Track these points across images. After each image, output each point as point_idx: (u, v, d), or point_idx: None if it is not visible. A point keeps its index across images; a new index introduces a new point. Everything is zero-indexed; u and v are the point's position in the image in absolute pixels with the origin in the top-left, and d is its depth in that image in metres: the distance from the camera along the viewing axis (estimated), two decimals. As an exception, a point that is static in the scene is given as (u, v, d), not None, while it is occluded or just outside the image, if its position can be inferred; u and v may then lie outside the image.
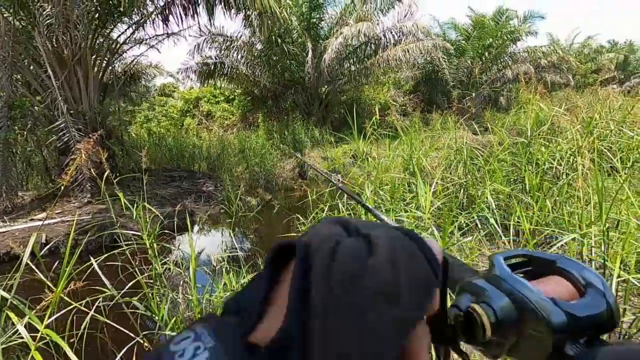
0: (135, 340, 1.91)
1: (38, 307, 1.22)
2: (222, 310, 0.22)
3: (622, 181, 2.17)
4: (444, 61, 13.44)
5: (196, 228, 5.40)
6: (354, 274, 0.20)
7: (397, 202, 2.42)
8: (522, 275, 0.30)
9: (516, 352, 0.28)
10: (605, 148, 2.99)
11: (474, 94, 14.06)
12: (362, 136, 3.00)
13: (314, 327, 0.18)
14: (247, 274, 2.59)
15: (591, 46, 22.83)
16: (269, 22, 9.61)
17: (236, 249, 2.81)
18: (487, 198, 2.44)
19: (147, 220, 2.15)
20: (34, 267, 1.68)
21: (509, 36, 14.29)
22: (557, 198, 2.83)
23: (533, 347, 0.27)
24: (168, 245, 3.08)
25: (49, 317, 1.23)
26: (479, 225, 2.28)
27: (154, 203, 6.41)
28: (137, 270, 2.10)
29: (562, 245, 1.93)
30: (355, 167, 3.90)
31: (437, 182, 2.45)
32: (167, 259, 2.80)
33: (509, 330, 0.27)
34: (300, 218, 3.03)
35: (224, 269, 2.50)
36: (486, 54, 14.65)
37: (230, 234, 2.70)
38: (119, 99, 8.33)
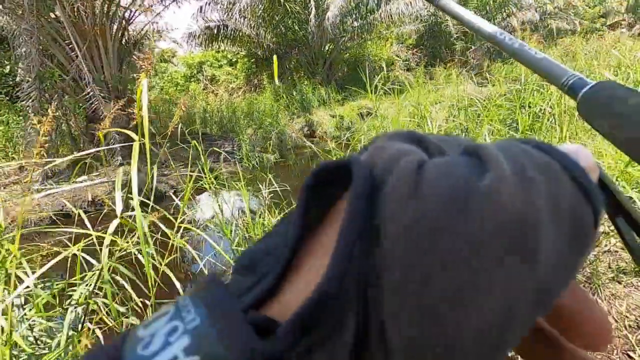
0: (207, 258, 2.48)
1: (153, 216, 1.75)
2: (232, 270, 0.15)
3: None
4: (447, 12, 13.28)
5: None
6: (460, 199, 0.12)
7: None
8: None
9: None
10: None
11: (477, 46, 14.02)
12: (371, 91, 3.40)
13: (388, 286, 0.11)
14: (275, 215, 3.13)
15: (600, -12, 22.02)
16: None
17: (272, 190, 3.32)
18: (484, 134, 2.88)
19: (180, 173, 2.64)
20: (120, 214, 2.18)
21: (513, -18, 13.99)
22: (544, 135, 3.28)
23: None
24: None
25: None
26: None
27: (178, 164, 6.93)
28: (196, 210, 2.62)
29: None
30: (366, 123, 4.32)
31: (440, 125, 2.89)
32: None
33: None
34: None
35: (266, 207, 3.04)
36: (490, 1, 14.39)
37: (268, 182, 3.20)
38: (133, 66, 8.61)
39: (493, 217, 0.11)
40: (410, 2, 11.20)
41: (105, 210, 2.61)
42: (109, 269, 1.46)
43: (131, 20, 7.54)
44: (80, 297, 1.44)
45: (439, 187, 0.12)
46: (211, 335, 0.11)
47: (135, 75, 10.04)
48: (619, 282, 1.97)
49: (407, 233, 0.11)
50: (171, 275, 1.60)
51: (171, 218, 1.79)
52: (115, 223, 1.30)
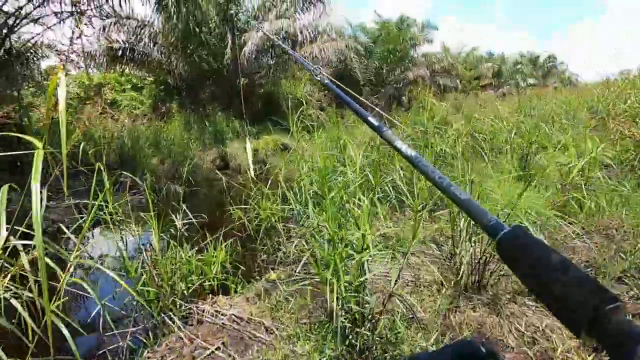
0: (104, 301, 2.11)
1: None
2: None
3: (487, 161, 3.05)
4: (356, 61, 14.59)
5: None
6: None
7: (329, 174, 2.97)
8: None
9: None
10: (478, 134, 3.98)
11: (381, 93, 15.57)
12: (295, 125, 3.47)
13: None
14: (192, 246, 2.87)
15: (474, 55, 26.67)
16: (184, 8, 9.45)
17: (172, 229, 3.05)
18: (397, 169, 3.12)
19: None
20: None
21: (409, 42, 16.08)
22: (445, 173, 3.69)
23: None
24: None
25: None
26: (390, 190, 2.95)
27: (59, 197, 5.98)
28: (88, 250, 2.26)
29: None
30: (288, 156, 4.35)
31: (359, 159, 3.05)
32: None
33: None
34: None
35: (176, 240, 2.76)
36: (391, 56, 16.27)
37: (183, 213, 2.94)
38: (20, 80, 7.45)
39: None
40: (323, 48, 12.03)
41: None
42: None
43: (15, 29, 6.59)
44: None
45: None
46: None
47: (14, 91, 8.67)
48: (515, 303, 2.22)
49: None
50: (60, 325, 1.30)
51: (64, 253, 1.49)
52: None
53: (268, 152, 9.45)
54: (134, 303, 2.32)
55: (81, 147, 3.08)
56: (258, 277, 2.96)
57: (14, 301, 1.46)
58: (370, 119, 0.57)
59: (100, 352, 2.08)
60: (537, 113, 6.55)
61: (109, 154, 9.35)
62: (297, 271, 2.89)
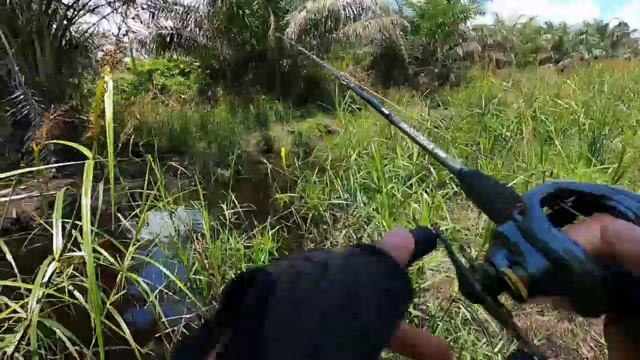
0: (158, 289, 2.17)
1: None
2: None
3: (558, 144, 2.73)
4: (401, 38, 13.93)
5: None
6: (302, 299, 0.18)
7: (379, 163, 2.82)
8: (557, 210, 0.29)
9: (563, 305, 0.26)
10: (543, 117, 3.59)
11: (428, 71, 14.82)
12: (343, 109, 3.33)
13: (269, 338, 0.16)
14: (241, 235, 2.88)
15: (532, 27, 24.53)
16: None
17: (228, 212, 3.07)
18: (454, 156, 2.90)
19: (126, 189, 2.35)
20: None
21: (459, 15, 15.04)
22: (505, 160, 3.40)
23: (580, 303, 0.25)
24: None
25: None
26: (447, 181, 2.75)
27: (123, 177, 6.33)
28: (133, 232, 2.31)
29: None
30: (335, 140, 4.23)
31: (410, 146, 2.86)
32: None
33: (549, 290, 0.25)
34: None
35: (225, 228, 2.78)
36: (439, 31, 15.34)
37: (230, 201, 2.95)
38: (74, 70, 7.89)
39: (322, 306, 0.18)
40: (367, 26, 11.56)
41: (35, 231, 2.21)
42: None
43: (74, 20, 6.92)
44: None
45: (290, 296, 0.19)
46: None
47: (76, 80, 9.23)
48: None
49: (274, 326, 0.18)
50: (119, 319, 1.32)
51: (121, 247, 1.51)
52: (51, 268, 1.02)
53: (312, 135, 9.37)
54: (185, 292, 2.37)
55: (132, 137, 3.11)
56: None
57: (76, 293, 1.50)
58: (404, 125, 0.59)
59: (156, 336, 2.16)
60: (608, 89, 5.87)
61: (160, 139, 9.79)
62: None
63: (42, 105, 5.47)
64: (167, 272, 1.54)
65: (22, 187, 5.46)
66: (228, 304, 0.19)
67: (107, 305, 1.38)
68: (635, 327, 0.23)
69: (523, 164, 2.61)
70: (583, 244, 0.24)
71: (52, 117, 4.76)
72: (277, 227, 3.11)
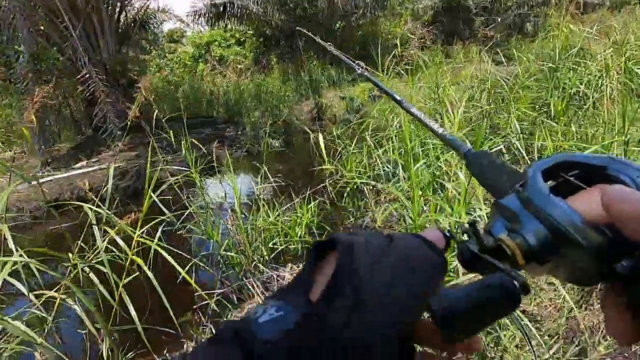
0: (194, 261, 2.21)
1: (122, 221, 1.46)
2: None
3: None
4: (467, -15, 12.47)
5: (224, 170, 5.67)
6: (380, 255, 0.26)
7: (425, 131, 2.53)
8: (562, 182, 0.30)
9: (558, 273, 0.28)
10: (637, 69, 2.93)
11: (498, 20, 13.20)
12: (382, 71, 3.01)
13: (362, 276, 0.24)
14: (280, 207, 2.82)
15: (633, -42, 20.51)
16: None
17: (268, 185, 3.02)
18: (513, 123, 2.50)
19: (190, 156, 2.34)
20: (101, 206, 1.90)
21: (539, -48, 12.96)
22: (582, 122, 2.86)
23: (575, 271, 0.26)
24: (206, 181, 3.33)
25: (140, 228, 1.47)
26: (504, 151, 2.38)
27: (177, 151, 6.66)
28: (187, 202, 2.34)
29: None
30: (376, 107, 3.94)
31: (458, 111, 2.51)
32: (208, 194, 3.06)
33: (545, 258, 0.26)
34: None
35: (260, 201, 2.74)
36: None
37: (263, 171, 2.89)
38: (136, 46, 8.28)
39: (392, 261, 0.26)
40: (427, -24, 10.46)
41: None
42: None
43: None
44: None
45: (374, 251, 0.27)
46: (286, 304, 0.24)
47: (139, 55, 9.73)
48: None
49: (364, 265, 0.26)
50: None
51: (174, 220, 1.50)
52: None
53: (364, 100, 8.97)
54: (220, 266, 2.40)
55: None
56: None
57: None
58: (429, 122, 0.57)
59: (193, 307, 2.22)
60: None
61: (218, 109, 10.09)
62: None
63: (105, 83, 5.81)
64: (172, 261, 1.50)
65: (94, 159, 5.99)
66: (313, 261, 0.27)
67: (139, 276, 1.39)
68: (636, 295, 0.23)
69: (602, 128, 2.15)
70: (582, 211, 0.25)
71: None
72: (317, 200, 3.01)
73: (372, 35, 12.76)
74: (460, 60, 7.48)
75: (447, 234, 0.31)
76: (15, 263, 1.16)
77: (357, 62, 1.07)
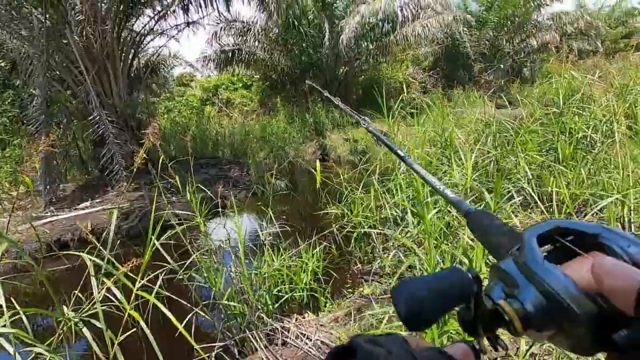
0: (195, 311, 2.09)
1: (121, 271, 1.39)
2: None
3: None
4: (465, 34, 13.05)
5: (229, 212, 5.62)
6: None
7: (435, 174, 2.50)
8: (557, 247, 0.30)
9: (557, 342, 0.28)
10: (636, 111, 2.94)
11: (496, 67, 13.66)
12: (388, 116, 3.04)
13: None
14: (285, 252, 2.74)
15: (622, 9, 21.55)
16: (284, 4, 9.58)
17: (273, 228, 2.95)
18: (523, 167, 2.47)
19: (195, 199, 2.30)
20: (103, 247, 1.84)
21: (532, 3, 13.67)
22: (591, 167, 2.83)
23: (572, 339, 0.26)
24: (211, 224, 3.27)
25: (141, 274, 1.40)
26: (515, 195, 2.33)
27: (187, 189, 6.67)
28: (190, 248, 2.26)
29: (601, 209, 1.97)
30: (383, 150, 3.95)
31: (470, 155, 2.48)
32: (212, 238, 2.98)
33: (542, 325, 0.27)
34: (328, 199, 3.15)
35: (265, 246, 2.66)
36: (509, 23, 14.10)
37: (269, 214, 2.84)
38: (145, 90, 8.55)
39: None
40: (427, 25, 10.97)
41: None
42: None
43: (143, 46, 7.50)
44: None
45: None
46: None
47: (150, 98, 10.04)
48: None
49: None
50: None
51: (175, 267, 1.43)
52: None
53: (368, 142, 9.08)
54: (222, 315, 2.28)
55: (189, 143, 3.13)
56: (350, 290, 2.69)
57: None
58: (417, 166, 0.59)
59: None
60: None
61: (224, 149, 10.23)
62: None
63: (115, 126, 5.93)
64: (170, 315, 1.41)
65: (98, 200, 5.98)
66: None
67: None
68: None
69: (616, 175, 2.11)
70: (575, 279, 0.25)
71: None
72: (322, 245, 2.93)
73: (375, 80, 13.20)
74: (462, 103, 7.63)
75: (477, 347, 0.29)
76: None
77: (362, 117, 1.07)
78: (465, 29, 13.07)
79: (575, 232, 0.30)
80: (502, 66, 13.77)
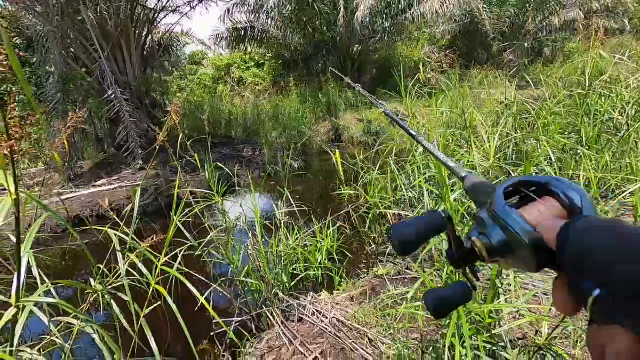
0: (213, 287, 2.15)
1: (144, 245, 1.42)
2: None
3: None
4: (485, 11, 12.57)
5: (242, 190, 5.67)
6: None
7: (453, 156, 2.46)
8: (520, 198, 0.38)
9: (511, 264, 0.36)
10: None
11: (516, 46, 13.18)
12: (405, 95, 2.97)
13: None
14: (300, 230, 2.76)
15: (653, -16, 20.38)
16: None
17: (289, 206, 2.97)
18: (546, 150, 2.41)
19: (213, 177, 2.32)
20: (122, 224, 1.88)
21: (557, -22, 13.02)
22: (616, 150, 2.74)
23: (522, 261, 0.34)
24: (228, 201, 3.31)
25: (165, 257, 1.43)
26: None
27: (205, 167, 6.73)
28: (207, 226, 2.30)
29: (630, 194, 1.92)
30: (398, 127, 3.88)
31: (490, 136, 2.43)
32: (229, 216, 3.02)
33: (504, 255, 0.36)
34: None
35: (281, 226, 2.68)
36: (531, 0, 13.50)
37: (286, 194, 2.85)
38: (159, 69, 8.54)
39: None
40: (444, 2, 10.58)
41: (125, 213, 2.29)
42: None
43: (156, 23, 7.43)
44: None
45: None
46: None
47: (163, 76, 10.02)
48: None
49: None
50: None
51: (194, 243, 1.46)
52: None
53: (382, 123, 8.96)
54: (239, 292, 2.33)
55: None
56: (365, 270, 2.71)
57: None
58: (446, 159, 0.58)
59: (210, 334, 2.15)
60: None
61: (237, 129, 10.24)
62: (408, 267, 2.54)
63: (130, 104, 5.96)
64: (193, 289, 1.45)
65: (115, 177, 6.09)
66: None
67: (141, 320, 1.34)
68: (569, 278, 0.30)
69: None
70: (528, 219, 0.34)
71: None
72: (338, 224, 2.94)
73: (390, 59, 12.90)
74: (482, 83, 7.43)
75: (469, 285, 0.41)
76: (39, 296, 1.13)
77: (380, 101, 1.08)
78: (485, 6, 12.57)
79: (535, 183, 0.37)
80: (526, 45, 13.25)
